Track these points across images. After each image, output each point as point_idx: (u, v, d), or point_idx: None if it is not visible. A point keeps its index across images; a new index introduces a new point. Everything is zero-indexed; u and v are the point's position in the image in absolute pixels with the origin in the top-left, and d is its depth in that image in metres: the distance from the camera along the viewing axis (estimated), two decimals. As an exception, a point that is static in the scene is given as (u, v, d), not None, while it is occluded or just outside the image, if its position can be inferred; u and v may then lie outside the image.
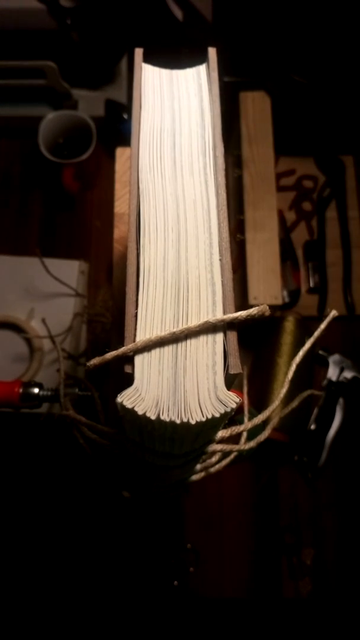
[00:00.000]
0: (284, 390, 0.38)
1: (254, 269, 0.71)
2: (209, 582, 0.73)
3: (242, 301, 0.73)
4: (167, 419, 0.26)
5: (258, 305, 0.29)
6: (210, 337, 0.29)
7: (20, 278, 0.79)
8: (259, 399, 0.74)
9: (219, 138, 0.35)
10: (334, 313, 0.36)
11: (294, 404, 0.48)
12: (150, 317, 0.29)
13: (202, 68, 0.38)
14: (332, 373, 0.79)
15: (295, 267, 0.85)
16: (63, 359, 0.53)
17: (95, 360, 0.29)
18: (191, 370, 0.28)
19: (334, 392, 0.79)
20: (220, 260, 0.31)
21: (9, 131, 0.92)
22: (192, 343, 0.28)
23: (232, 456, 0.43)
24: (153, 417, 0.26)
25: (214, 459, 0.42)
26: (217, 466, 0.43)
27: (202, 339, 0.29)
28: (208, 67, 0.38)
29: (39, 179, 0.91)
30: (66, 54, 0.83)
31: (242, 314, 0.29)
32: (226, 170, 0.34)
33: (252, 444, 0.41)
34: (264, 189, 0.75)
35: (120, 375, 0.29)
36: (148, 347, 0.28)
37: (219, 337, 0.29)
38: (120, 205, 0.59)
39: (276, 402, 0.38)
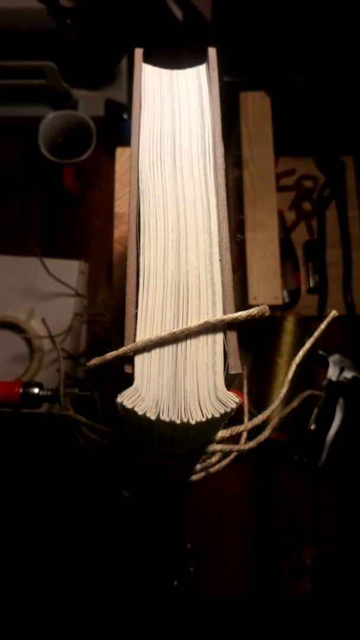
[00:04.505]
0: (284, 390, 0.38)
1: (254, 269, 0.71)
2: (209, 582, 0.73)
3: (242, 301, 0.73)
4: (167, 419, 0.26)
5: (258, 305, 0.29)
6: (210, 337, 0.29)
7: (20, 278, 0.79)
8: (259, 399, 0.74)
9: (219, 138, 0.35)
10: (334, 313, 0.36)
11: (294, 404, 0.48)
12: (150, 317, 0.29)
13: (202, 68, 0.38)
14: (332, 373, 0.79)
15: (295, 267, 0.85)
16: (63, 359, 0.53)
17: (95, 360, 0.29)
18: (191, 370, 0.28)
19: (334, 392, 0.79)
20: (220, 260, 0.31)
21: (9, 131, 0.92)
22: (192, 343, 0.28)
23: (232, 456, 0.43)
24: (153, 417, 0.26)
25: (214, 459, 0.42)
26: (217, 466, 0.43)
27: (202, 339, 0.29)
28: (208, 67, 0.38)
29: (39, 179, 0.91)
30: (66, 54, 0.83)
31: (242, 314, 0.29)
32: (226, 170, 0.34)
33: (252, 444, 0.41)
34: (264, 189, 0.75)
35: (120, 375, 0.29)
36: (148, 347, 0.28)
37: (219, 337, 0.29)
38: (120, 205, 0.59)
39: (276, 402, 0.38)
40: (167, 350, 0.28)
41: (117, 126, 0.88)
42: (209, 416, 0.26)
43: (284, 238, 0.86)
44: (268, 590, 0.73)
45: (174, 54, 0.82)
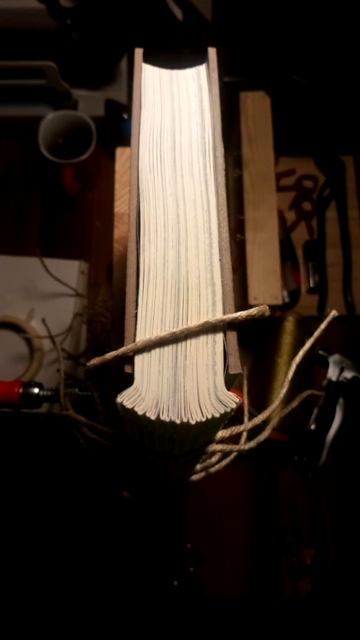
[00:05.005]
0: (284, 390, 0.38)
1: (254, 269, 0.71)
2: (209, 582, 0.73)
3: (242, 301, 0.73)
4: (167, 419, 0.26)
5: (258, 305, 0.29)
6: (210, 337, 0.29)
7: (20, 278, 0.79)
8: (259, 399, 0.74)
9: (219, 138, 0.35)
10: (334, 313, 0.36)
11: (294, 404, 0.48)
12: (150, 317, 0.29)
13: (202, 68, 0.38)
14: (332, 373, 0.79)
15: (295, 267, 0.85)
16: (63, 359, 0.53)
17: (95, 360, 0.29)
18: (191, 370, 0.28)
19: (334, 392, 0.79)
20: (220, 260, 0.31)
21: (9, 131, 0.92)
22: (192, 343, 0.28)
23: (232, 456, 0.43)
24: (153, 417, 0.26)
25: (214, 459, 0.42)
26: (217, 466, 0.43)
27: (202, 339, 0.29)
28: (208, 67, 0.38)
29: (39, 179, 0.91)
30: (66, 54, 0.83)
31: (242, 314, 0.29)
32: (226, 170, 0.34)
33: (252, 444, 0.41)
34: (264, 189, 0.75)
35: (120, 375, 0.29)
36: (148, 347, 0.28)
37: (219, 337, 0.29)
38: (120, 205, 0.59)
39: (276, 402, 0.38)
40: (167, 350, 0.28)
41: (117, 126, 0.88)
42: (209, 416, 0.26)
43: (284, 238, 0.86)
44: (268, 590, 0.73)
45: (174, 54, 0.82)
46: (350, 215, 0.88)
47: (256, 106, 0.78)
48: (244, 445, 0.41)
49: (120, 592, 0.71)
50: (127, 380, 0.28)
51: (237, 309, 0.29)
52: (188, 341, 0.28)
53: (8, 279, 0.79)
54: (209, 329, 0.29)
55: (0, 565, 0.73)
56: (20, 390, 0.56)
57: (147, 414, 0.26)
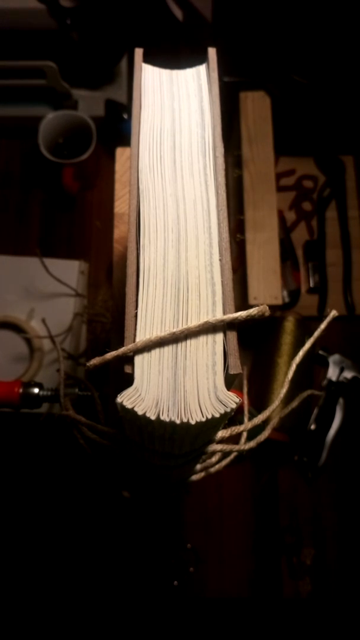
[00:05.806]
0: (284, 390, 0.38)
1: (254, 269, 0.71)
2: (209, 582, 0.73)
3: (242, 301, 0.73)
4: (167, 419, 0.26)
5: (258, 305, 0.29)
6: (210, 337, 0.29)
7: (20, 278, 0.79)
8: (259, 399, 0.74)
9: (219, 138, 0.35)
10: (334, 313, 0.36)
11: (294, 404, 0.48)
12: (150, 317, 0.29)
13: (202, 68, 0.38)
14: (332, 373, 0.79)
15: (295, 267, 0.85)
16: (63, 359, 0.53)
17: (95, 360, 0.29)
18: (191, 370, 0.28)
19: (334, 392, 0.78)
20: (220, 260, 0.31)
21: (9, 131, 0.92)
22: (192, 343, 0.28)
23: (232, 456, 0.44)
24: (153, 417, 0.26)
25: (214, 459, 0.42)
26: (217, 466, 0.43)
27: (202, 339, 0.29)
28: (208, 67, 0.38)
29: (39, 179, 0.91)
30: (66, 54, 0.83)
31: (242, 314, 0.29)
32: (226, 170, 0.34)
33: (252, 444, 0.41)
34: (264, 189, 0.75)
35: (120, 375, 0.29)
36: (148, 347, 0.28)
37: (219, 337, 0.29)
38: (120, 205, 0.59)
39: (276, 402, 0.38)
40: (167, 350, 0.28)
41: (117, 126, 0.88)
42: (209, 416, 0.26)
43: (284, 238, 0.86)
44: (268, 590, 0.73)
45: (174, 54, 0.82)
46: (350, 215, 0.88)
47: (256, 106, 0.78)
48: (244, 445, 0.41)
49: (120, 592, 0.71)
50: (127, 380, 0.28)
51: (237, 309, 0.29)
52: (188, 341, 0.28)
53: (8, 279, 0.79)
54: (209, 329, 0.29)
55: (0, 565, 0.73)
56: (20, 390, 0.56)
57: (147, 414, 0.26)
